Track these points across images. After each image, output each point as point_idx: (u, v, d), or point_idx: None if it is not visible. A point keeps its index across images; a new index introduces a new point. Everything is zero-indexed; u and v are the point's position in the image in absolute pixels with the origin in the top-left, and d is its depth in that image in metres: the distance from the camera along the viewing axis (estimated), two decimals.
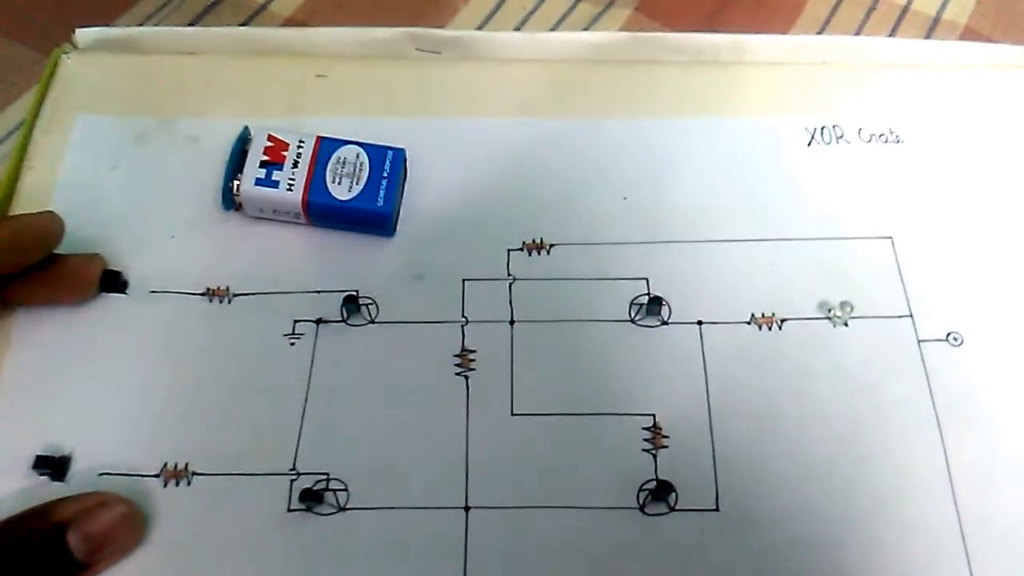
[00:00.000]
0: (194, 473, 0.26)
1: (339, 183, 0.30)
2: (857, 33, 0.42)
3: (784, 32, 0.41)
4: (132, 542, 0.25)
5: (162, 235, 0.30)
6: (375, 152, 0.30)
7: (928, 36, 0.41)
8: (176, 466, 0.26)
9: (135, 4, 0.41)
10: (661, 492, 0.26)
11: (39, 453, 0.26)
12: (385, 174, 0.30)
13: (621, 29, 0.41)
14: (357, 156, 0.30)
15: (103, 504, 0.24)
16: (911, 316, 0.29)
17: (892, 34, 0.42)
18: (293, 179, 0.29)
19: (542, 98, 0.34)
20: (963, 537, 0.26)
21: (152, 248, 0.30)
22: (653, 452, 0.27)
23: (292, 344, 0.29)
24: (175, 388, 0.28)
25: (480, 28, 0.41)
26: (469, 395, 0.28)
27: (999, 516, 0.26)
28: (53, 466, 0.26)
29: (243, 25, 0.40)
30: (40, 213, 0.28)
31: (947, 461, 0.27)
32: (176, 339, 0.29)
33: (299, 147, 0.30)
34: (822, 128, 0.33)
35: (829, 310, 0.29)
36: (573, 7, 0.42)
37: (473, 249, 0.31)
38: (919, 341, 0.29)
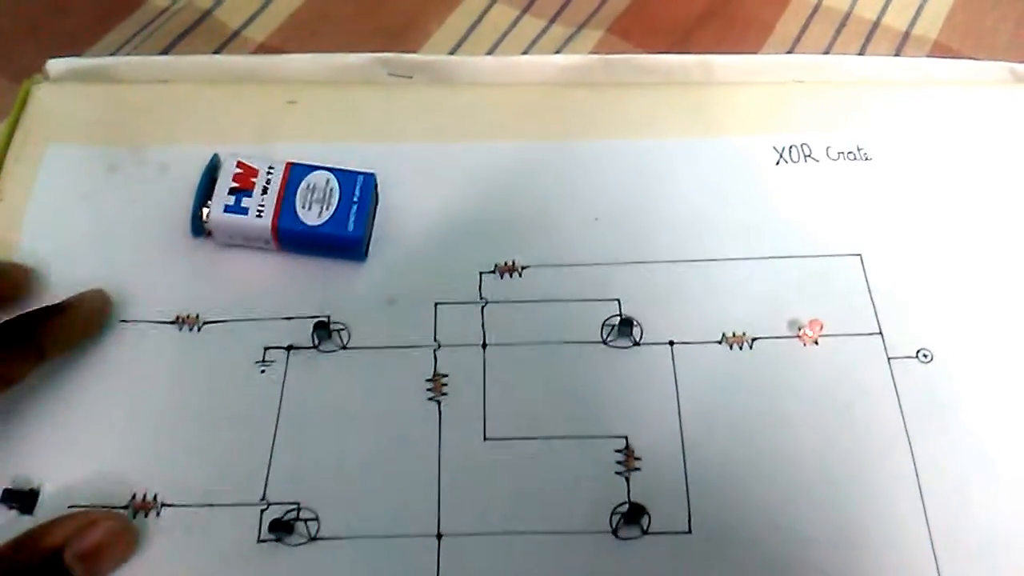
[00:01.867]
0: (163, 504, 0.26)
1: (309, 209, 0.30)
2: (828, 49, 0.42)
3: (755, 50, 0.42)
4: (127, 553, 0.25)
5: (133, 264, 0.30)
6: (345, 177, 0.30)
7: (898, 51, 0.42)
8: (145, 497, 0.26)
9: (109, 32, 0.41)
10: (633, 515, 0.26)
11: (6, 487, 0.26)
12: (355, 199, 0.30)
13: (593, 50, 0.41)
14: (327, 182, 0.30)
15: (93, 523, 0.25)
16: (881, 333, 0.29)
17: (863, 50, 0.42)
18: (263, 205, 0.29)
19: (513, 122, 0.34)
20: (935, 555, 0.26)
21: (123, 277, 0.30)
22: (626, 475, 0.27)
23: (263, 372, 0.28)
24: (144, 418, 0.28)
25: (454, 50, 0.41)
26: (441, 420, 0.28)
27: (971, 533, 0.26)
28: (21, 500, 0.26)
29: (217, 51, 0.40)
30: (94, 292, 0.29)
31: (918, 478, 0.27)
32: (146, 369, 0.28)
33: (269, 173, 0.30)
34: (790, 147, 0.33)
35: (799, 328, 0.29)
36: (545, 29, 0.42)
37: (445, 272, 0.31)
38: (889, 358, 0.29)
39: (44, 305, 0.28)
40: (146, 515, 0.26)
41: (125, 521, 0.26)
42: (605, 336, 0.29)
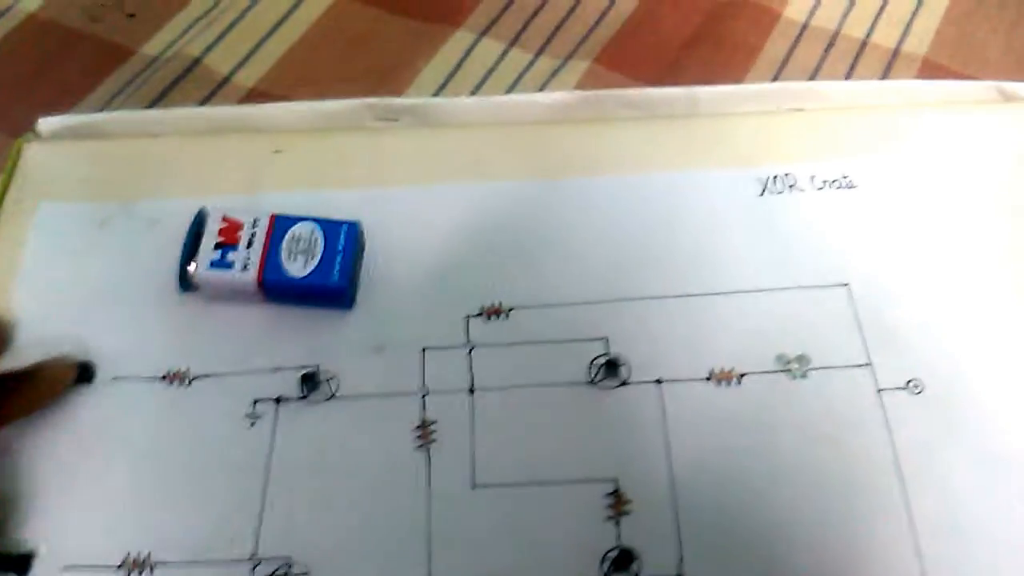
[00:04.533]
0: (156, 563, 0.26)
1: (294, 260, 0.30)
2: (816, 70, 0.42)
3: (743, 73, 0.41)
4: None
5: (123, 319, 0.31)
6: (329, 227, 0.31)
7: (887, 69, 0.42)
8: (138, 556, 0.27)
9: (102, 82, 0.42)
10: (624, 561, 0.26)
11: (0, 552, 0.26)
12: (340, 248, 0.30)
13: (580, 81, 0.41)
14: (311, 232, 0.30)
15: None
16: (870, 364, 0.29)
17: (851, 69, 0.42)
18: (248, 259, 0.30)
19: (499, 161, 0.34)
20: None
21: (113, 333, 0.30)
22: (616, 519, 0.27)
23: (252, 425, 0.29)
24: (136, 476, 0.28)
25: (441, 87, 0.41)
26: (431, 468, 0.28)
27: (963, 565, 0.26)
28: (15, 564, 0.26)
29: (208, 96, 0.41)
30: (57, 359, 0.29)
31: (909, 511, 0.27)
32: (136, 426, 0.29)
33: (253, 227, 0.30)
34: (774, 177, 0.33)
35: (787, 363, 0.29)
36: (532, 62, 0.42)
37: (432, 317, 0.31)
38: (879, 390, 0.29)
39: (3, 371, 0.28)
40: (140, 574, 0.26)
41: None
42: (593, 376, 0.29)
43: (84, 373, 0.30)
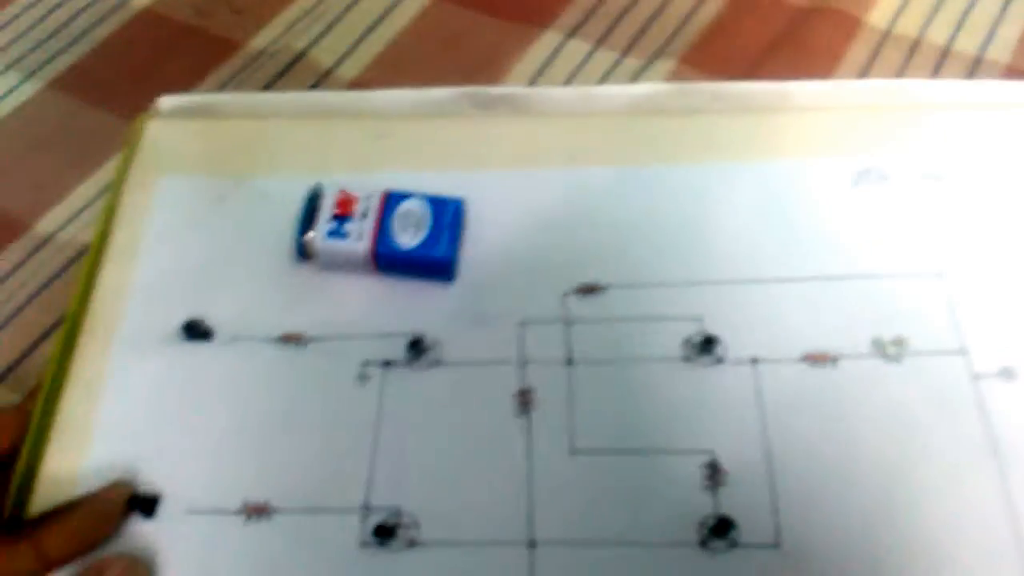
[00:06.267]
0: (273, 509, 0.28)
1: (404, 233, 0.31)
2: (899, 76, 0.42)
3: (826, 77, 0.42)
4: None
5: (241, 286, 0.33)
6: (436, 203, 0.32)
7: (971, 76, 0.42)
8: (257, 502, 0.28)
9: (210, 74, 0.44)
10: (722, 528, 0.27)
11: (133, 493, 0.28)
12: (446, 224, 0.32)
13: (665, 81, 0.42)
14: (421, 208, 0.32)
15: (100, 570, 0.26)
16: (965, 352, 0.29)
17: (935, 75, 0.42)
18: (362, 230, 0.31)
19: (591, 148, 0.35)
20: None
21: (232, 298, 0.32)
22: (712, 489, 0.28)
23: (362, 385, 0.30)
24: (254, 428, 0.29)
25: (531, 83, 0.43)
26: (531, 433, 0.29)
27: None
28: (143, 506, 0.28)
29: (311, 88, 0.43)
30: (111, 486, 0.28)
31: (1007, 495, 0.27)
32: (254, 381, 0.30)
33: (367, 201, 0.32)
34: (867, 169, 0.34)
35: (883, 346, 0.30)
36: (618, 62, 0.44)
37: (530, 293, 0.32)
38: (974, 376, 0.29)
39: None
40: (259, 517, 0.28)
41: (135, 558, 0.27)
42: (688, 354, 0.30)
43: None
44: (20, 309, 0.37)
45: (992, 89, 0.36)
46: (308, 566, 0.27)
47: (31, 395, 0.32)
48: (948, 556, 0.26)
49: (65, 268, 0.38)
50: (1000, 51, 0.43)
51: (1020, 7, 0.44)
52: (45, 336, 0.36)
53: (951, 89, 0.36)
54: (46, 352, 0.35)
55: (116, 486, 0.28)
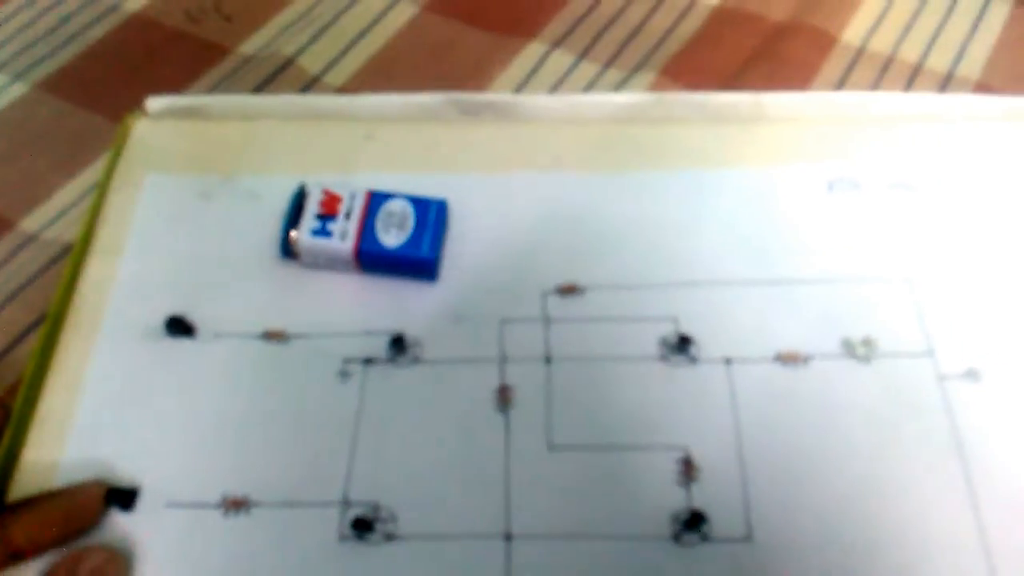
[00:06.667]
0: (252, 503, 0.28)
1: (388, 233, 0.32)
2: (872, 91, 0.44)
3: (801, 91, 0.43)
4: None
5: (225, 283, 0.33)
6: (419, 204, 0.33)
7: (942, 92, 0.43)
8: (236, 496, 0.28)
9: (197, 80, 0.45)
10: (694, 522, 0.27)
11: (110, 487, 0.28)
12: (429, 224, 0.32)
13: (647, 91, 0.43)
14: (404, 208, 0.33)
15: (79, 559, 0.26)
16: (931, 353, 0.30)
17: (906, 91, 0.44)
18: (346, 229, 0.32)
19: (574, 154, 0.36)
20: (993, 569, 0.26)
21: (216, 295, 0.33)
22: (686, 484, 0.28)
23: (343, 381, 0.30)
24: (235, 423, 0.30)
25: (516, 93, 0.44)
26: (509, 429, 0.30)
27: None
28: (122, 498, 0.28)
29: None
30: (88, 484, 0.28)
31: (972, 493, 0.28)
32: (237, 377, 0.31)
33: (351, 201, 0.32)
34: (839, 178, 0.35)
35: (853, 347, 0.30)
36: (601, 73, 0.45)
37: (510, 292, 0.33)
38: (940, 377, 0.30)
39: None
40: (237, 512, 0.28)
41: (113, 551, 0.27)
42: (663, 353, 0.31)
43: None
44: (1, 307, 0.37)
45: (961, 103, 0.37)
46: (287, 559, 0.27)
47: (11, 390, 0.32)
48: (914, 550, 0.27)
49: (49, 266, 0.38)
50: (970, 68, 0.44)
51: (990, 26, 0.46)
52: (26, 333, 0.36)
53: (922, 102, 0.37)
54: (27, 349, 0.35)
55: (95, 480, 0.28)
